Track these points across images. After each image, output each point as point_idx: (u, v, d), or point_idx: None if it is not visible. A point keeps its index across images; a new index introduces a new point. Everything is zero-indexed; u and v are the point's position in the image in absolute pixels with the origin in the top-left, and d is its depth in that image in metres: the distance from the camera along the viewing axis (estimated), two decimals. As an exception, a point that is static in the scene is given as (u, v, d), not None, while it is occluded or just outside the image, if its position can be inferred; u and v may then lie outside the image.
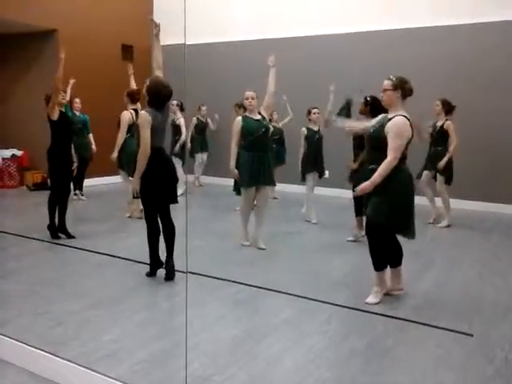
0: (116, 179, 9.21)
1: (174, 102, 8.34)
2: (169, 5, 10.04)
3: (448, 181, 6.35)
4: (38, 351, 2.82)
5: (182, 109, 8.42)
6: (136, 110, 6.20)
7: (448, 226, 6.42)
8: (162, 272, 4.30)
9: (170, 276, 4.18)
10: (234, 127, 5.16)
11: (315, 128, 6.50)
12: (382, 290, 3.84)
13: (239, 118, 5.22)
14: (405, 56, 7.91)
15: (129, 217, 6.56)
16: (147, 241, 4.27)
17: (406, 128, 3.58)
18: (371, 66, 7.81)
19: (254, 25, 9.47)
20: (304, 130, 6.53)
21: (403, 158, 3.62)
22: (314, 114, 6.48)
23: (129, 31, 10.17)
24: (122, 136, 6.27)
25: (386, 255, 3.80)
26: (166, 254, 4.24)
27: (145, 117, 4.08)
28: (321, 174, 6.61)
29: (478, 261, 5.05)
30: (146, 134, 4.03)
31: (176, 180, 4.36)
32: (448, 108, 6.26)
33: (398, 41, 8.12)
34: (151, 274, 4.32)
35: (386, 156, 3.53)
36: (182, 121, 8.21)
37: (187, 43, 8.15)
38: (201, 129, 9.40)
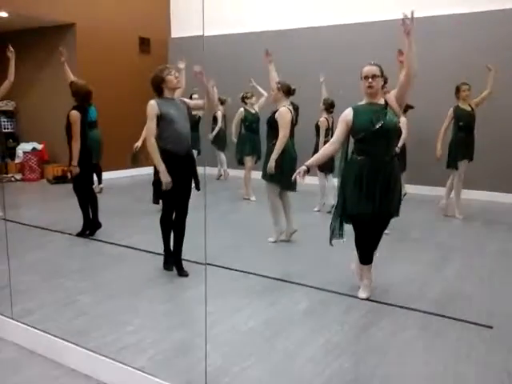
0: (132, 172, 9.34)
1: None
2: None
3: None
4: (62, 341, 2.88)
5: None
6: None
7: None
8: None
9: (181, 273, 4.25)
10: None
11: None
12: (370, 283, 3.79)
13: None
14: (419, 46, 7.79)
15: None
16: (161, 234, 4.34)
17: None
18: (386, 56, 7.70)
19: (271, 15, 9.44)
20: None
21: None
22: None
23: (146, 24, 10.23)
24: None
25: (370, 248, 3.73)
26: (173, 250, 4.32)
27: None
28: None
29: (499, 254, 4.99)
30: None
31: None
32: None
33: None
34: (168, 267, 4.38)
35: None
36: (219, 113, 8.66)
37: (205, 35, 8.17)
38: (251, 123, 7.57)
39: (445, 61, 7.78)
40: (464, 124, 6.16)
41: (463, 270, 4.47)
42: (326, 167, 6.52)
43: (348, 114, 3.59)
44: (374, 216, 3.56)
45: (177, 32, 10.72)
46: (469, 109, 6.18)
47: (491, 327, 3.26)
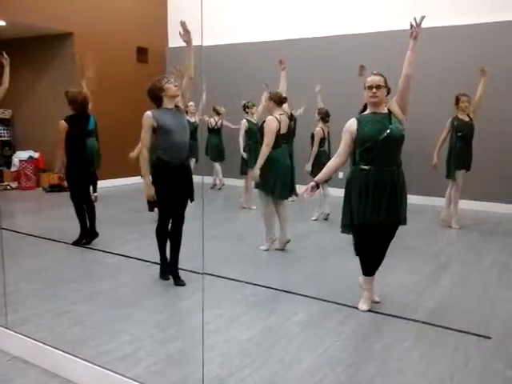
0: (129, 181, 9.33)
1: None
2: (183, 7, 10.14)
3: None
4: (57, 351, 2.85)
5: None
6: None
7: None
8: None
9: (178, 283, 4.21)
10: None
11: None
12: (371, 296, 3.76)
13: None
14: (423, 56, 7.83)
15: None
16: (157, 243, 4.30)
17: None
18: (389, 66, 7.75)
19: (269, 25, 9.50)
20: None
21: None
22: None
23: (144, 34, 10.28)
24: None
25: (375, 258, 3.69)
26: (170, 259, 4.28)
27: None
28: None
29: (496, 264, 5.00)
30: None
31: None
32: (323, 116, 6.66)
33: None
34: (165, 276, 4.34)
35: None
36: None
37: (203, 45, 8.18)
38: (254, 134, 7.29)
39: (442, 71, 7.84)
40: (462, 134, 6.19)
41: (460, 280, 4.46)
42: None
43: (352, 124, 3.55)
44: (380, 226, 3.53)
45: (174, 42, 10.77)
46: (467, 119, 6.22)
47: (490, 337, 3.25)
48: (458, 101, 6.23)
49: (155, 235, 4.27)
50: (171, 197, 4.09)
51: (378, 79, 3.50)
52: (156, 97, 4.02)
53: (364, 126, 3.50)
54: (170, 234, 4.23)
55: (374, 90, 3.47)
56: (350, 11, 8.80)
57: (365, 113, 3.61)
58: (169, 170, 4.03)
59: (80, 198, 5.40)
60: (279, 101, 5.13)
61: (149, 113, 3.98)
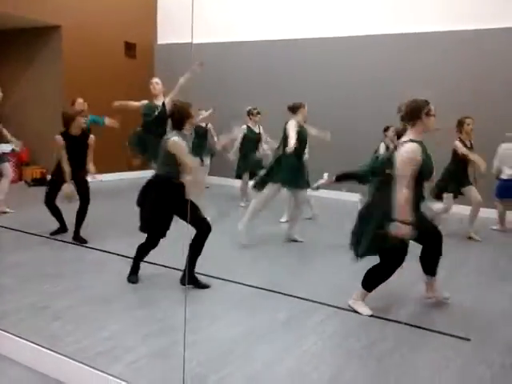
0: (116, 176, 9.24)
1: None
2: (173, 3, 10.11)
3: None
4: (36, 346, 2.81)
5: None
6: None
7: None
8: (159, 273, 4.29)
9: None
10: None
11: None
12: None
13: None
14: (413, 61, 7.89)
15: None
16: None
17: None
18: (378, 70, 7.78)
19: (261, 25, 9.51)
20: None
21: None
22: None
23: (132, 29, 10.21)
24: None
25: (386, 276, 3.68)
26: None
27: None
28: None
29: (476, 267, 5.05)
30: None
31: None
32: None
33: (405, 45, 8.02)
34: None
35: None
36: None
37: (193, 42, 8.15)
38: (255, 142, 7.36)
39: (434, 78, 7.90)
40: (461, 158, 5.91)
41: (441, 283, 4.50)
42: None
43: (417, 152, 3.33)
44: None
45: (163, 38, 10.72)
46: (468, 144, 5.98)
47: (469, 339, 3.28)
48: (461, 124, 5.94)
49: (136, 249, 4.14)
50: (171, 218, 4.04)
51: (433, 108, 3.45)
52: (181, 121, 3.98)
53: (425, 157, 3.41)
54: (193, 243, 4.02)
55: (432, 118, 3.44)
56: (345, 13, 8.81)
57: (414, 139, 3.42)
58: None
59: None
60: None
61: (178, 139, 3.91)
